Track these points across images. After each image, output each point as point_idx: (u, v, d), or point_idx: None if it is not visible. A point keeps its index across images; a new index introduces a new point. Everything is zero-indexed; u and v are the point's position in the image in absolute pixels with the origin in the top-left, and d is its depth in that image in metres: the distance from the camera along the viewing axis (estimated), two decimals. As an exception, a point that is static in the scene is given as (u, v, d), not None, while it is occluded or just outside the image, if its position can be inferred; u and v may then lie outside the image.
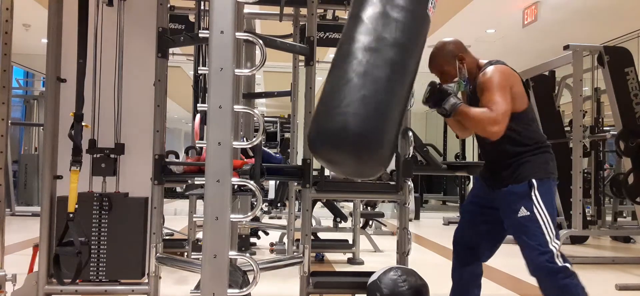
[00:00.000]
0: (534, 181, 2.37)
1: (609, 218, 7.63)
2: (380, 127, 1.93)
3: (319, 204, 6.15)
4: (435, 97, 2.41)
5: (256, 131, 4.66)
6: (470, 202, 2.74)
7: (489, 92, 2.33)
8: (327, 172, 2.83)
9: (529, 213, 2.34)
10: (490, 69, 2.40)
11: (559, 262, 2.29)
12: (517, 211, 2.36)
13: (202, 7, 3.21)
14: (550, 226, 2.33)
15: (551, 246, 2.30)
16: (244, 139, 3.81)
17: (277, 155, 5.57)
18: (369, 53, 1.98)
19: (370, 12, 2.06)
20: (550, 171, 2.44)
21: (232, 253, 1.76)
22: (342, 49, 2.07)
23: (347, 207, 7.81)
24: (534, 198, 2.35)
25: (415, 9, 2.09)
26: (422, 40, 2.15)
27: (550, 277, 2.29)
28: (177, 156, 5.10)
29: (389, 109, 1.95)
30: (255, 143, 2.37)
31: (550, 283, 2.30)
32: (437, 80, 2.54)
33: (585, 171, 6.57)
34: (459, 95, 2.50)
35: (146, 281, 2.81)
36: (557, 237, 2.34)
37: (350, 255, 5.27)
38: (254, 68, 3.97)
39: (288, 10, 4.44)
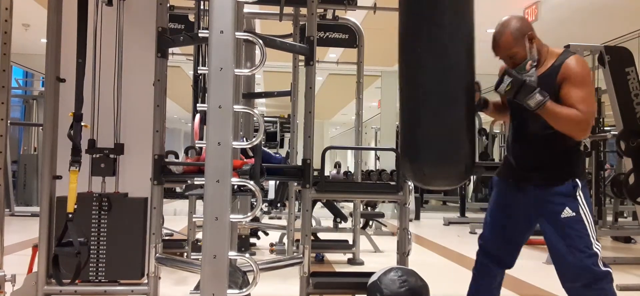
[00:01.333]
0: (577, 180, 2.25)
1: (609, 218, 7.63)
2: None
3: (319, 204, 6.14)
4: (518, 90, 2.20)
5: (256, 131, 4.65)
6: (496, 207, 2.50)
7: (578, 89, 2.17)
8: (327, 172, 2.83)
9: (574, 214, 2.20)
10: (575, 59, 2.23)
11: (602, 266, 2.18)
12: (560, 211, 2.22)
13: (202, 7, 3.20)
14: (593, 228, 2.22)
15: (595, 249, 2.18)
16: (244, 139, 3.81)
17: (277, 155, 5.57)
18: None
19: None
20: (586, 173, 2.37)
21: (232, 254, 1.76)
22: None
23: (347, 207, 7.80)
24: (578, 198, 2.22)
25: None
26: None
27: (596, 282, 2.16)
28: (177, 156, 5.09)
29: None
30: (255, 143, 2.37)
31: (594, 287, 2.17)
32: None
33: (586, 171, 6.56)
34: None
35: (146, 281, 2.80)
36: (598, 241, 2.24)
37: (350, 256, 5.26)
38: (254, 68, 3.97)
39: (288, 10, 4.43)
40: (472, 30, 2.43)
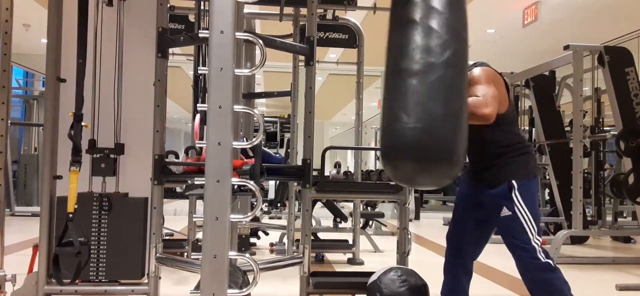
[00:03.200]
0: (514, 182, 2.43)
1: (609, 218, 7.63)
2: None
3: (319, 204, 6.15)
4: None
5: (256, 131, 4.66)
6: (459, 200, 2.74)
7: (475, 86, 2.38)
8: (327, 172, 2.83)
9: (510, 213, 2.42)
10: (476, 70, 2.47)
11: (542, 258, 2.38)
12: (499, 211, 2.45)
13: (202, 7, 3.20)
14: (531, 223, 2.41)
15: (533, 243, 2.39)
16: (244, 139, 3.81)
17: (277, 155, 5.58)
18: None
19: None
20: (531, 171, 2.52)
21: (232, 253, 1.76)
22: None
23: (347, 207, 7.81)
24: (514, 198, 2.42)
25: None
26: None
27: (534, 272, 2.39)
28: (177, 156, 5.10)
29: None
30: (255, 143, 2.37)
31: (534, 278, 2.39)
32: None
33: (586, 171, 6.57)
34: None
35: (146, 281, 2.80)
36: (539, 234, 2.43)
37: (350, 255, 5.26)
38: (254, 68, 3.98)
39: (288, 10, 4.44)
40: (465, 17, 2.29)
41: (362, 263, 5.14)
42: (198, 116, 3.16)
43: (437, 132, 1.94)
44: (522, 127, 7.55)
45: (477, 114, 2.32)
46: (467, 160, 2.58)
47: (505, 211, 2.43)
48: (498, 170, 2.49)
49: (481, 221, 2.64)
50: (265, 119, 11.04)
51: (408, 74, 1.99)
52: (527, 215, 2.41)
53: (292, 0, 4.10)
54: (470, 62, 2.53)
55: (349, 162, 19.21)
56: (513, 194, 2.42)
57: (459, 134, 2.01)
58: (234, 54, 1.74)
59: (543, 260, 2.38)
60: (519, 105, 7.47)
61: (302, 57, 3.13)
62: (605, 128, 6.99)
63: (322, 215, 6.61)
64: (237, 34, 1.75)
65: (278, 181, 6.43)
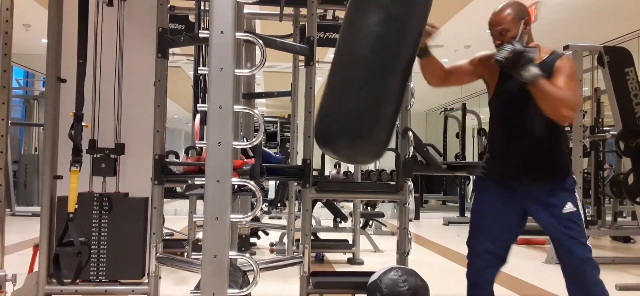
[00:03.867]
0: (573, 177, 2.35)
1: (609, 218, 7.63)
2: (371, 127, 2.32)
3: (319, 204, 6.15)
4: (517, 60, 2.20)
5: (256, 131, 4.66)
6: (483, 206, 2.48)
7: (569, 79, 2.24)
8: (327, 172, 2.83)
9: (575, 209, 2.28)
10: (568, 58, 2.33)
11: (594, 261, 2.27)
12: (562, 206, 2.28)
13: (202, 7, 3.21)
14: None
15: (589, 244, 2.29)
16: (244, 139, 3.81)
17: (277, 155, 5.57)
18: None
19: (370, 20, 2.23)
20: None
21: (232, 253, 1.76)
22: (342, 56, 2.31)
23: (347, 207, 7.81)
24: (575, 194, 2.32)
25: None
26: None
27: (594, 271, 2.25)
28: (177, 156, 5.10)
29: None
30: (255, 143, 2.37)
31: (591, 276, 2.25)
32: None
33: (585, 171, 6.57)
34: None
35: (146, 281, 2.81)
36: None
37: (350, 255, 5.26)
38: (254, 68, 3.98)
39: (288, 10, 4.44)
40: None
41: (362, 263, 5.15)
42: (198, 116, 3.17)
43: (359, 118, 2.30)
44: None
45: (559, 112, 2.19)
46: (504, 156, 2.41)
47: (570, 207, 2.27)
48: (558, 161, 2.35)
49: (512, 224, 2.44)
50: (265, 119, 11.05)
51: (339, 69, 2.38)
52: (582, 213, 2.31)
53: (292, 0, 4.10)
54: (546, 48, 2.42)
55: (349, 162, 19.17)
56: (575, 190, 2.32)
57: (379, 122, 2.32)
58: (234, 54, 1.74)
59: (595, 262, 2.26)
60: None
61: (302, 57, 3.13)
62: (604, 128, 6.99)
63: (322, 215, 6.61)
64: (237, 34, 1.76)
65: (278, 181, 6.43)
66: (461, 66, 2.58)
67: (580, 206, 2.31)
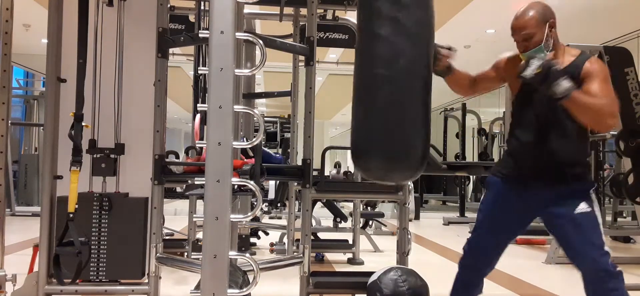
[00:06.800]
0: (593, 183, 2.30)
1: (609, 218, 7.64)
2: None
3: (319, 204, 6.15)
4: (546, 76, 2.09)
5: (256, 131, 4.66)
6: (496, 209, 2.42)
7: (604, 83, 2.15)
8: (327, 172, 2.83)
9: (589, 210, 2.20)
10: (598, 60, 2.25)
11: (613, 268, 2.19)
12: (575, 206, 2.20)
13: (202, 7, 3.21)
14: (602, 230, 2.24)
15: (607, 248, 2.19)
16: (244, 139, 3.81)
17: (277, 155, 5.58)
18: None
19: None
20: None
21: (232, 253, 1.76)
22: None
23: (347, 207, 7.81)
24: (593, 197, 2.25)
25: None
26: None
27: (612, 279, 2.19)
28: (177, 156, 5.10)
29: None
30: (255, 143, 2.37)
31: (610, 285, 2.19)
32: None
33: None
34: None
35: (146, 281, 2.81)
36: None
37: (350, 255, 5.27)
38: (254, 68, 3.99)
39: (288, 10, 4.44)
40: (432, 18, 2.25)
41: (362, 263, 5.15)
42: (198, 116, 3.17)
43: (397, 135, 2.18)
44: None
45: (602, 123, 2.13)
46: (524, 156, 2.34)
47: (583, 207, 2.19)
48: (583, 165, 2.30)
49: (513, 230, 2.42)
50: (265, 119, 11.05)
51: (371, 82, 2.18)
52: (600, 218, 2.23)
53: (292, 0, 4.10)
54: (572, 49, 2.35)
55: (349, 162, 19.21)
56: (591, 193, 2.25)
57: (418, 137, 2.24)
58: (234, 55, 1.74)
59: (616, 269, 2.19)
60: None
61: (302, 57, 3.14)
62: (604, 128, 6.98)
63: (322, 215, 6.61)
64: (237, 34, 1.76)
65: (278, 181, 6.43)
66: (486, 74, 2.54)
67: (596, 209, 2.24)
